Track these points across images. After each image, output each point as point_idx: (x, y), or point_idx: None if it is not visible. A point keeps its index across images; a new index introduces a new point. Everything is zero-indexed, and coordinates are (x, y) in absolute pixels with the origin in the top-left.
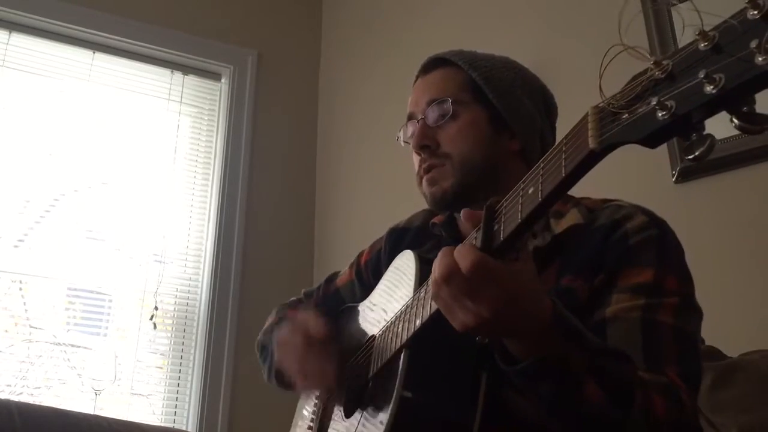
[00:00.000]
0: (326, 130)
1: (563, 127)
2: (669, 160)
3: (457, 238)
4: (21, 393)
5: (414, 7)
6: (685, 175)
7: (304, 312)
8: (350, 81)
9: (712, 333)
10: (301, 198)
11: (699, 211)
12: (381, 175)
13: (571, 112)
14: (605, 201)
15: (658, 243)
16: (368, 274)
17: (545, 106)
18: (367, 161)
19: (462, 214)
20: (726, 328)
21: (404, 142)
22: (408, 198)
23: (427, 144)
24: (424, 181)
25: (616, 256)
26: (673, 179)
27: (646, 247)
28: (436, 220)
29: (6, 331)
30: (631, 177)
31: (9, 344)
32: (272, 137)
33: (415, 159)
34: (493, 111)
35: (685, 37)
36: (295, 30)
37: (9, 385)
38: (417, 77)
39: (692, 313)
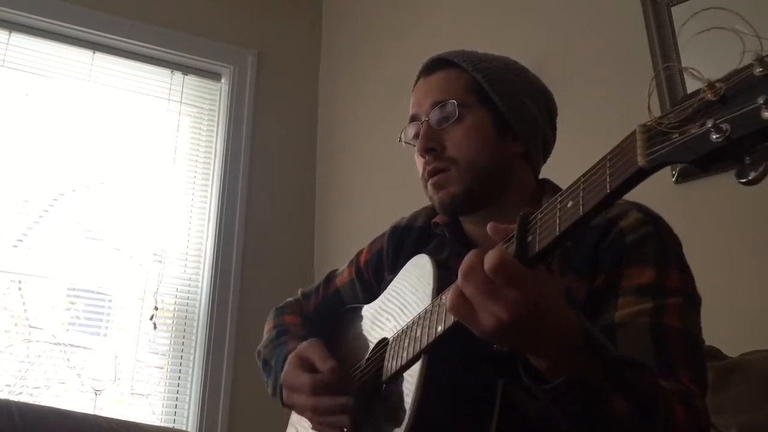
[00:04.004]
0: (326, 130)
1: (564, 128)
2: None
3: (460, 238)
4: (21, 393)
5: (414, 6)
6: (685, 175)
7: (307, 343)
8: (350, 81)
9: (712, 333)
10: (301, 198)
11: (699, 211)
12: (381, 175)
13: (570, 112)
14: None
15: (655, 240)
16: (369, 273)
17: (547, 107)
18: (368, 161)
19: (489, 228)
20: (726, 328)
21: (406, 143)
22: (409, 197)
23: (432, 147)
24: (429, 185)
25: (614, 257)
26: (673, 179)
27: (643, 246)
28: (438, 219)
29: (6, 331)
30: None
31: (8, 344)
32: (272, 137)
33: (419, 161)
34: (497, 113)
35: (683, 36)
36: (295, 30)
37: (9, 385)
38: (418, 78)
39: (695, 310)
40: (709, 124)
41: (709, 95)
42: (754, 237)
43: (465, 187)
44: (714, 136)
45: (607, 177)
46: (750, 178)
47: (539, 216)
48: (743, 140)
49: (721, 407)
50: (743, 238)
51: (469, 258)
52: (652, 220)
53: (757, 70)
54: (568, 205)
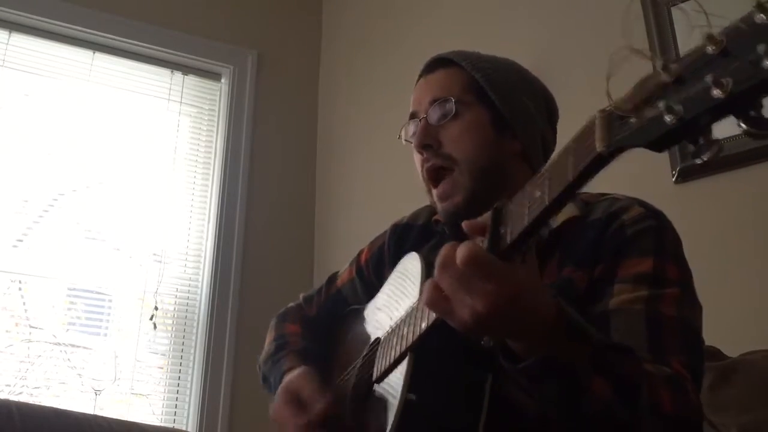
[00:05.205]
0: (326, 130)
1: (562, 128)
2: (669, 160)
3: (460, 236)
4: (21, 393)
5: (414, 7)
6: (685, 175)
7: (299, 374)
8: (350, 81)
9: (712, 333)
10: (301, 198)
11: (699, 211)
12: (381, 175)
13: (570, 113)
14: (601, 194)
15: (656, 233)
16: (369, 271)
17: (546, 108)
18: (367, 161)
19: (464, 226)
20: (726, 328)
21: (405, 140)
22: (409, 197)
23: (428, 143)
24: (435, 194)
25: (614, 247)
26: (673, 179)
27: (643, 237)
28: (438, 217)
29: (6, 331)
30: (631, 177)
31: (8, 344)
32: (272, 137)
33: (417, 158)
34: (496, 112)
35: (683, 36)
36: (295, 30)
37: (9, 385)
38: (420, 77)
39: (693, 304)
40: (662, 105)
41: (664, 77)
42: (754, 237)
43: (468, 195)
44: (667, 118)
45: (570, 165)
46: (704, 158)
47: (510, 207)
48: (695, 120)
49: (721, 407)
50: (743, 238)
51: (443, 251)
52: (653, 215)
53: (710, 49)
54: (536, 195)
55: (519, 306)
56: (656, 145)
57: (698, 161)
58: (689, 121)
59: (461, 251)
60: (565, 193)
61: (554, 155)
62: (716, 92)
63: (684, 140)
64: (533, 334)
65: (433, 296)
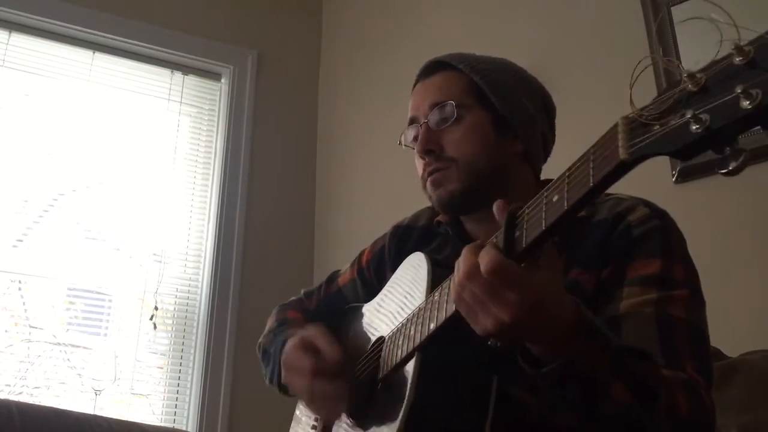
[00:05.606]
0: (326, 130)
1: (563, 129)
2: (669, 160)
3: (463, 236)
4: (21, 393)
5: (414, 7)
6: (685, 175)
7: (312, 328)
8: (350, 81)
9: (713, 333)
10: (301, 198)
11: (699, 211)
12: (381, 175)
13: (569, 113)
14: (605, 194)
15: (662, 233)
16: (371, 272)
17: (545, 106)
18: (367, 161)
19: (495, 206)
20: (726, 328)
21: (405, 146)
22: (408, 197)
23: (431, 148)
24: (428, 183)
25: (621, 249)
26: (673, 179)
27: (650, 239)
28: (441, 218)
29: (6, 331)
30: (631, 177)
31: (8, 344)
32: (272, 137)
33: (419, 163)
34: (496, 114)
35: (683, 36)
36: (295, 30)
37: (9, 385)
38: (417, 81)
39: (700, 303)
40: (689, 114)
41: (689, 86)
42: (754, 237)
43: (463, 186)
44: (694, 127)
45: (590, 171)
46: (730, 168)
47: (526, 211)
48: (722, 130)
49: (721, 407)
50: (743, 238)
51: (466, 260)
52: (658, 215)
53: (737, 59)
54: (554, 200)
55: (541, 313)
56: (681, 154)
57: (723, 171)
58: (716, 131)
59: (484, 263)
60: (586, 198)
61: (575, 161)
62: (745, 103)
63: (710, 149)
64: (553, 338)
65: (458, 300)
